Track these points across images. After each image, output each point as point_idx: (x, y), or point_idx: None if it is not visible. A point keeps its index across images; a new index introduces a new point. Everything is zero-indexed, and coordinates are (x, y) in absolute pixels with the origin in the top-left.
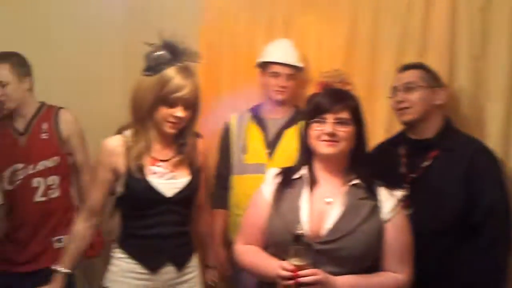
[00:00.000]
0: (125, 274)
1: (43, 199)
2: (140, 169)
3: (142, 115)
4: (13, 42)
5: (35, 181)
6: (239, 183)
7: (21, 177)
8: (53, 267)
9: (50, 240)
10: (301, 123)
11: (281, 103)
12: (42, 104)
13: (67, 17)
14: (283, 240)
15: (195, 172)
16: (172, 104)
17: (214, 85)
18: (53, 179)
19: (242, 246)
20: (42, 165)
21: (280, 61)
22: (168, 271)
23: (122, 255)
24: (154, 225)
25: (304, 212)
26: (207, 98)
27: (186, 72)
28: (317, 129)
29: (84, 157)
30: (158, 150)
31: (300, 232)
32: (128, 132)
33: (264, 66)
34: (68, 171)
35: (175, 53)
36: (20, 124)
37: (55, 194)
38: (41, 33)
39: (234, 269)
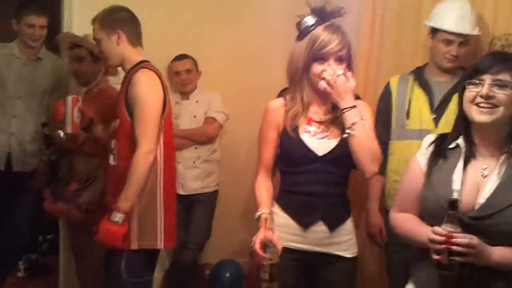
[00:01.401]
0: (279, 228)
1: (113, 163)
2: (295, 128)
3: (297, 78)
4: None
5: (111, 142)
6: (399, 148)
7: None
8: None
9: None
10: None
11: (451, 69)
12: (140, 62)
13: None
14: (435, 212)
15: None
16: (323, 59)
17: (376, 46)
18: (114, 142)
19: (397, 214)
20: (112, 125)
21: (453, 30)
22: (320, 230)
23: (278, 210)
24: (306, 183)
25: (457, 184)
26: (368, 59)
27: (333, 28)
28: (472, 91)
29: (139, 129)
30: (314, 111)
31: (455, 198)
32: (288, 96)
33: (434, 29)
34: (127, 137)
35: (321, 15)
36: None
37: (111, 160)
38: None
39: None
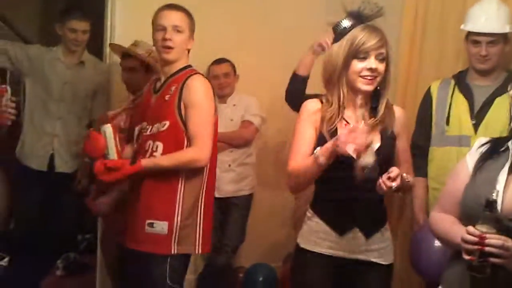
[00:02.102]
0: (314, 234)
1: None
2: (333, 132)
3: (335, 78)
4: None
5: (148, 144)
6: (438, 155)
7: (141, 137)
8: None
9: (141, 221)
10: None
11: (487, 71)
12: (186, 66)
13: None
14: (473, 212)
15: (387, 138)
16: (364, 57)
17: (417, 51)
18: (157, 145)
19: (437, 214)
20: (156, 127)
21: (477, 30)
22: (356, 237)
23: (314, 216)
24: (344, 189)
25: (500, 185)
26: (409, 65)
27: (372, 27)
28: None
29: (196, 131)
30: (348, 115)
31: (493, 198)
32: (323, 98)
33: (468, 32)
34: (176, 141)
35: (358, 17)
36: (160, 83)
37: None
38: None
39: None
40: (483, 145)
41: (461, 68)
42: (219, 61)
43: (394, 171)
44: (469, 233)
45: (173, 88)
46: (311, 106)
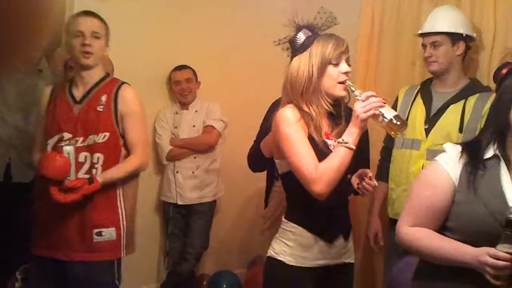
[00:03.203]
0: (305, 250)
1: (86, 176)
2: (325, 142)
3: (311, 89)
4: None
5: (82, 155)
6: (397, 157)
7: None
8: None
9: (88, 231)
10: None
11: (440, 74)
12: (106, 75)
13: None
14: (487, 228)
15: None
16: (336, 62)
17: (373, 58)
18: (98, 157)
19: (413, 228)
20: (91, 139)
21: (420, 31)
22: (340, 242)
23: (301, 231)
24: (329, 197)
25: (510, 196)
26: (366, 70)
27: (333, 35)
28: None
29: (137, 139)
30: (325, 124)
31: None
32: (295, 109)
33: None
34: (116, 151)
35: (312, 29)
36: (78, 92)
37: (97, 174)
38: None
39: (390, 250)
40: (461, 153)
41: (417, 75)
42: (181, 67)
43: (369, 172)
44: (496, 257)
45: (103, 98)
46: (292, 114)
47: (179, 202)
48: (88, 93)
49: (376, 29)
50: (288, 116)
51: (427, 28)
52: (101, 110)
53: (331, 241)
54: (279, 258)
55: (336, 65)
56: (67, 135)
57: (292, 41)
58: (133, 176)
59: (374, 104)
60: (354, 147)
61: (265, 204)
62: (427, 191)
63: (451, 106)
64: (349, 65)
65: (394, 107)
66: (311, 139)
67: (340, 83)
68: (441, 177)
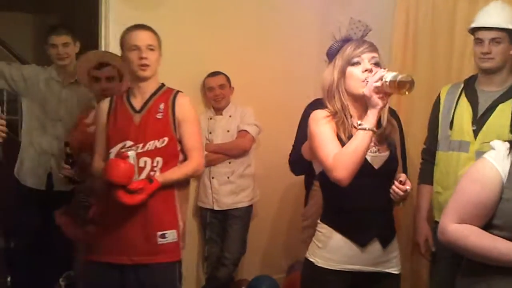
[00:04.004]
0: (333, 251)
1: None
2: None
3: (333, 88)
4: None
5: (142, 161)
6: (442, 160)
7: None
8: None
9: (152, 234)
10: None
11: (492, 72)
12: (162, 85)
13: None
14: None
15: (393, 146)
16: (357, 61)
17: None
18: (158, 161)
19: (461, 226)
20: (151, 144)
21: (479, 25)
22: (375, 248)
23: (329, 231)
24: (362, 198)
25: None
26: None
27: (360, 39)
28: None
29: (193, 144)
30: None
31: None
32: (327, 110)
33: (472, 34)
34: (174, 155)
35: (346, 40)
36: (137, 102)
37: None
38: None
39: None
40: (509, 149)
41: (453, 77)
42: (214, 73)
43: (401, 176)
44: None
45: (161, 106)
46: (322, 114)
47: (216, 208)
48: (147, 102)
49: (411, 30)
50: (316, 116)
51: (490, 22)
52: (160, 117)
53: (363, 245)
54: (310, 259)
55: (357, 64)
56: (129, 143)
57: (327, 51)
58: (188, 179)
59: (374, 77)
60: (369, 128)
61: (305, 203)
62: (475, 187)
63: (500, 106)
64: (377, 66)
65: (437, 107)
66: (339, 138)
67: (363, 81)
68: (490, 173)
